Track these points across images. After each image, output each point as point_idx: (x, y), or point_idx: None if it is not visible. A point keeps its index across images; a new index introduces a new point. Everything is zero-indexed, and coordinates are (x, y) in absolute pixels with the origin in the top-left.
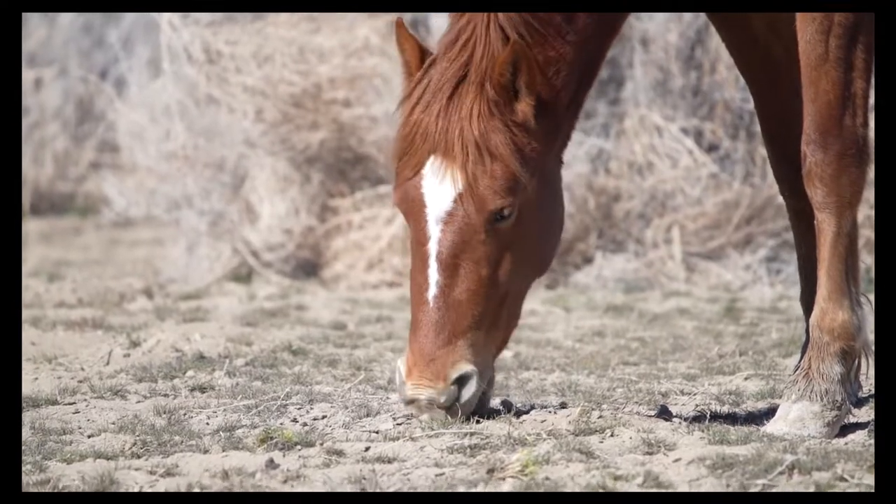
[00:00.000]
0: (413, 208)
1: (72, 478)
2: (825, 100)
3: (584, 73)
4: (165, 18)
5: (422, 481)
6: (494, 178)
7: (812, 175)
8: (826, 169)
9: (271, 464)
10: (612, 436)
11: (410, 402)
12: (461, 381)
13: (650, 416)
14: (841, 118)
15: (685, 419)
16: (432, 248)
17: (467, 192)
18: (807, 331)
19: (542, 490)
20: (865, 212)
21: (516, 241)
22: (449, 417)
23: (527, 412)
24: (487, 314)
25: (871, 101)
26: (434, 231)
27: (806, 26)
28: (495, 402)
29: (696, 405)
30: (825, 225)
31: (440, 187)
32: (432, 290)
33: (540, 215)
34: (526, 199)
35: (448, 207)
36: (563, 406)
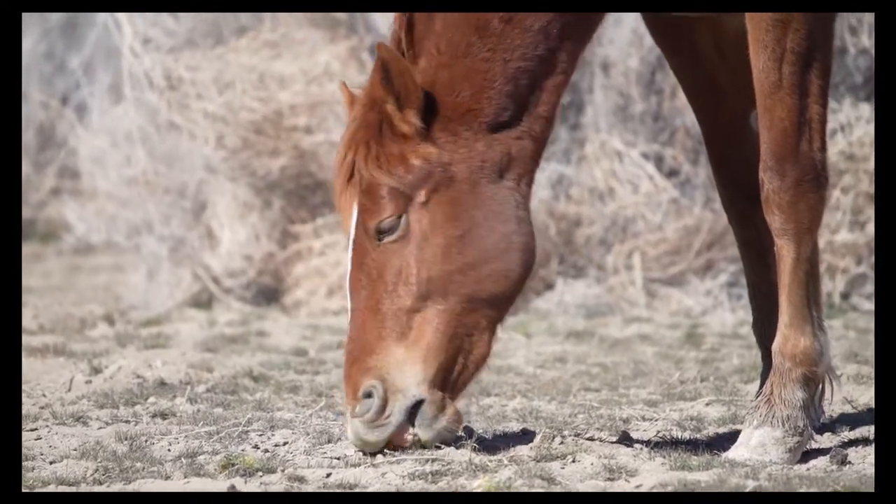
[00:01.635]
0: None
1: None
2: (780, 127)
3: (522, 95)
4: (127, 44)
5: None
6: (373, 193)
7: (770, 202)
8: (784, 196)
9: (233, 490)
10: (573, 462)
11: (344, 423)
12: (370, 395)
13: (611, 443)
14: (797, 145)
15: (647, 445)
16: (347, 276)
17: (360, 213)
18: (764, 357)
19: None
20: (826, 237)
21: (417, 252)
22: (374, 434)
23: (488, 438)
24: (398, 329)
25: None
26: (348, 259)
27: (759, 54)
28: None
29: (658, 431)
30: (784, 251)
31: (351, 219)
32: (349, 315)
33: (455, 228)
34: (423, 210)
35: (353, 233)
36: (524, 432)
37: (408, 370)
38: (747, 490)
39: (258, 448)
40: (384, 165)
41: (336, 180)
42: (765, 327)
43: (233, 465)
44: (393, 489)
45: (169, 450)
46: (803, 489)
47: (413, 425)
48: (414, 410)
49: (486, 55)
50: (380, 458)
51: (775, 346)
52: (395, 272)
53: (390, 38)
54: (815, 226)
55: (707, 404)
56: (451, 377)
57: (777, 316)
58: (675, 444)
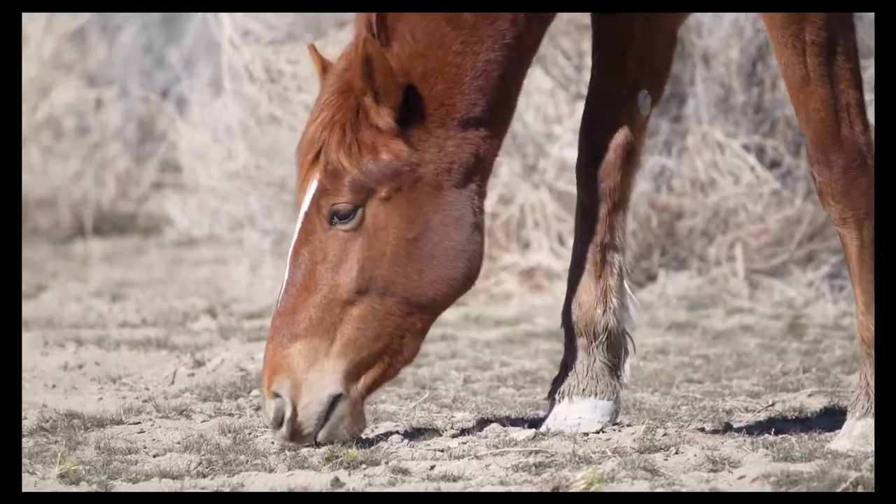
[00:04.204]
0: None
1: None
2: (818, 118)
3: (492, 87)
4: (226, 37)
5: None
6: (336, 178)
7: (824, 194)
8: (835, 186)
9: (337, 483)
10: (676, 453)
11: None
12: (278, 395)
13: (714, 434)
14: (838, 132)
15: (749, 436)
16: (290, 248)
17: (317, 192)
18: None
19: None
20: None
21: (366, 247)
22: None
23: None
24: (328, 320)
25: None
26: (295, 232)
27: (781, 52)
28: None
29: (761, 422)
30: (847, 240)
31: (308, 191)
32: (281, 291)
33: (409, 231)
34: (381, 207)
35: (306, 209)
36: (627, 424)
37: (328, 367)
38: (849, 481)
39: (362, 440)
40: (354, 155)
41: (300, 154)
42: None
43: (336, 457)
44: (497, 481)
45: (272, 442)
46: None
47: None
48: (331, 407)
49: (459, 48)
50: (483, 450)
51: (858, 335)
52: (338, 260)
53: (363, 19)
54: (871, 209)
55: (809, 395)
56: (369, 375)
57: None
58: (777, 435)
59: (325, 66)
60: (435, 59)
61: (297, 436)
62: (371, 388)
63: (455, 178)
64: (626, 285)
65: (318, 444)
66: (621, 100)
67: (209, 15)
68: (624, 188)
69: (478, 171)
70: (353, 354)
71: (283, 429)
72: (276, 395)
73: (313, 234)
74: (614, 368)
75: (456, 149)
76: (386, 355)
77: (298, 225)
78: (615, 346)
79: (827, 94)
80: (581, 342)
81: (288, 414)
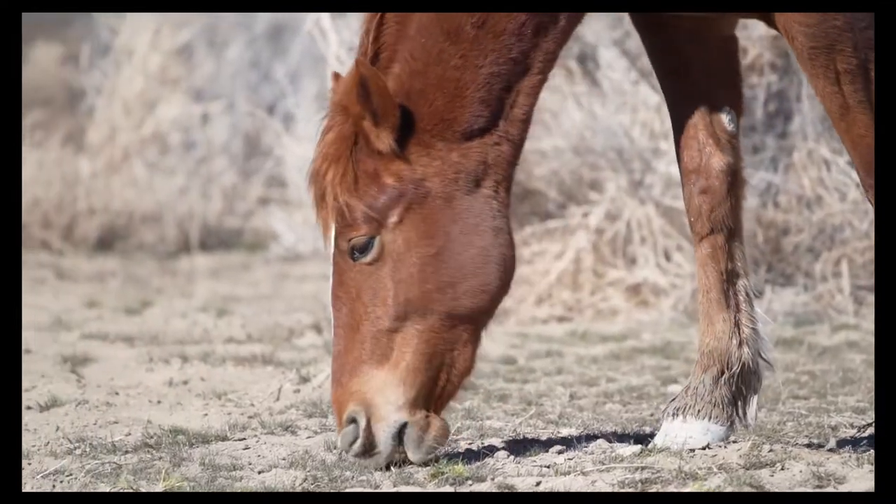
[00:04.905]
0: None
1: None
2: (864, 144)
3: (496, 99)
4: (332, 52)
5: None
6: (346, 215)
7: None
8: None
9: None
10: (782, 469)
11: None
12: (353, 421)
13: (820, 450)
14: None
15: (855, 452)
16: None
17: (335, 232)
18: None
19: None
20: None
21: (393, 274)
22: (367, 461)
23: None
24: (378, 351)
25: None
26: (330, 274)
27: (816, 83)
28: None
29: (867, 439)
30: None
31: (329, 235)
32: (333, 329)
33: (430, 246)
34: (398, 231)
35: (332, 251)
36: (733, 440)
37: (389, 394)
38: None
39: (467, 456)
40: (357, 189)
41: (311, 192)
42: None
43: (442, 473)
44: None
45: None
46: None
47: (402, 445)
48: (400, 432)
49: (458, 62)
50: (589, 466)
51: None
52: (371, 293)
53: (359, 43)
54: None
55: None
56: (434, 393)
57: None
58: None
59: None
60: (433, 76)
61: (369, 450)
62: (438, 407)
63: (465, 186)
64: (755, 310)
65: (388, 467)
66: (705, 125)
67: (315, 30)
68: (736, 212)
69: (490, 175)
70: (410, 378)
71: (357, 443)
72: (351, 422)
73: (344, 273)
74: (739, 401)
75: (461, 158)
76: (442, 372)
77: (331, 268)
78: (746, 380)
79: (869, 119)
80: (713, 372)
81: (362, 424)
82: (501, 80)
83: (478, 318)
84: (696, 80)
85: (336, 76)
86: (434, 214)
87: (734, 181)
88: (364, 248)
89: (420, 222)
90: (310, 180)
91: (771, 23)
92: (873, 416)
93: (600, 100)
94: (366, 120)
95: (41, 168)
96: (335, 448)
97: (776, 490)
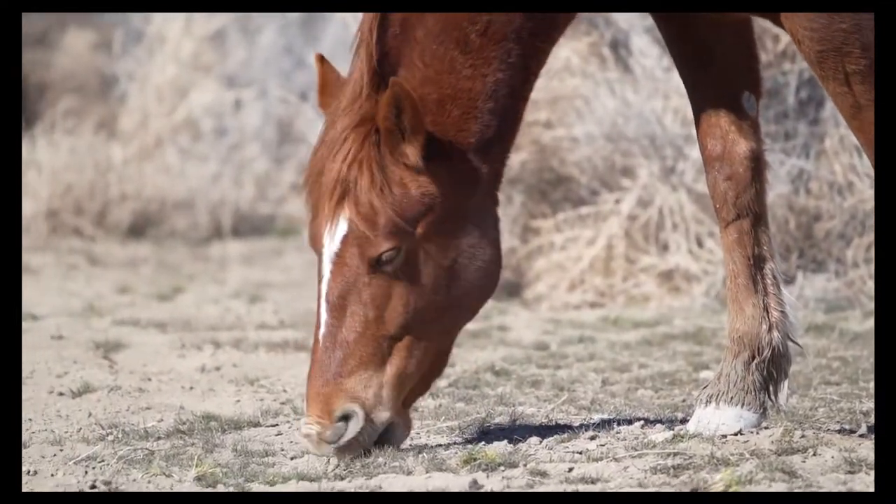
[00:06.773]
0: (315, 248)
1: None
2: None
3: (502, 107)
4: None
5: None
6: (373, 223)
7: None
8: None
9: (475, 485)
10: (814, 455)
11: (305, 436)
12: (347, 418)
13: (852, 435)
14: None
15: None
16: (323, 287)
17: (351, 235)
18: None
19: None
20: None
21: (409, 284)
22: (339, 454)
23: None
24: (379, 355)
25: None
26: (326, 271)
27: (827, 85)
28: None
29: None
30: None
31: (334, 229)
32: (322, 329)
33: (444, 258)
34: (419, 242)
35: (337, 248)
36: (765, 426)
37: (385, 397)
38: None
39: (500, 443)
40: (387, 195)
41: (321, 189)
42: None
43: (475, 459)
44: (635, 483)
45: (411, 445)
46: None
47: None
48: (387, 430)
49: (469, 72)
50: (621, 451)
51: None
52: (383, 300)
53: (357, 41)
54: None
55: None
56: (413, 394)
57: None
58: None
59: (327, 80)
60: (448, 85)
61: (352, 446)
62: (408, 403)
63: (474, 198)
64: (783, 293)
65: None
66: (726, 111)
67: (348, 16)
68: (761, 196)
69: (493, 185)
70: (403, 382)
71: (364, 437)
72: (343, 419)
73: (351, 275)
74: (770, 386)
75: (474, 172)
76: (429, 376)
77: (329, 266)
78: (777, 364)
79: None
80: (743, 357)
81: (361, 423)
82: (505, 87)
83: (463, 326)
84: (714, 66)
85: (320, 58)
86: (450, 227)
87: (757, 166)
88: (390, 260)
89: (439, 235)
90: (327, 179)
91: (779, 24)
92: None
93: (633, 86)
94: (394, 135)
95: (73, 154)
96: (305, 436)
97: (808, 476)
